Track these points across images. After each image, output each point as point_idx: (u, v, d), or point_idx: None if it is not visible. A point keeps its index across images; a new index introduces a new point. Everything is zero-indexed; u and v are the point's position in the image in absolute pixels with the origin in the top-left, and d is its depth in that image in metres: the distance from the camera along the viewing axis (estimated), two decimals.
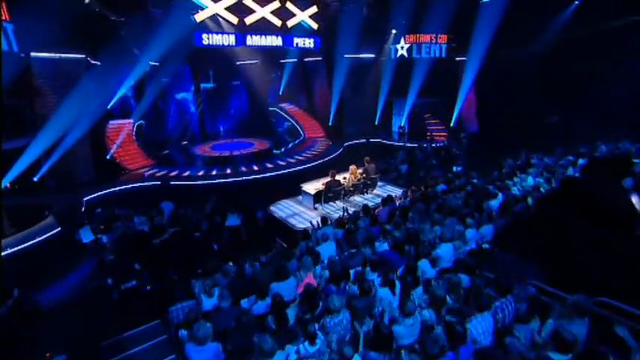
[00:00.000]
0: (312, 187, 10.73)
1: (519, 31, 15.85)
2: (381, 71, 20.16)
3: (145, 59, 16.67)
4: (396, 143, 19.23)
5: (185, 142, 21.25)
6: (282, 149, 19.42)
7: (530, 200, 7.41)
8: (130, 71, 16.94)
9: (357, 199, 11.28)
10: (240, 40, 13.73)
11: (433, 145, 17.06)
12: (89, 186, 13.24)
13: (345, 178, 10.97)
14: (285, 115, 22.92)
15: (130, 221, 9.80)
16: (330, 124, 21.02)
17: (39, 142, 11.08)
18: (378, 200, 10.97)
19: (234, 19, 13.37)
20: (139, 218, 9.90)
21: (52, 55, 12.49)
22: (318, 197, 10.52)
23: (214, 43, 13.25)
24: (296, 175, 14.50)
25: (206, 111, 23.43)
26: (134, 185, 13.61)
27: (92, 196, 12.49)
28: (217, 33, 13.20)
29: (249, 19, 13.64)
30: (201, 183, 13.75)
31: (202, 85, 23.01)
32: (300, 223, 9.77)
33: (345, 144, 18.96)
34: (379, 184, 12.28)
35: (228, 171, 14.85)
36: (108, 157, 15.67)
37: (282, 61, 22.24)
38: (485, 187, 8.87)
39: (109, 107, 17.72)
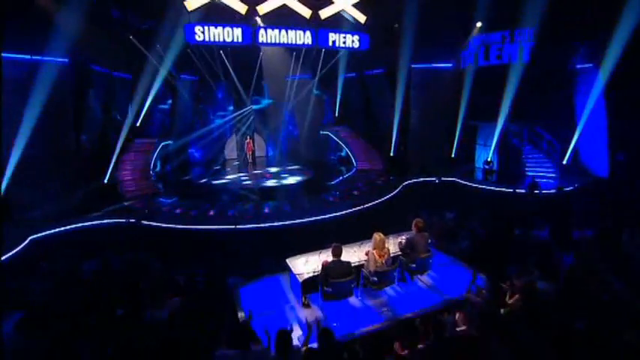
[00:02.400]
0: (305, 264, 6.20)
1: None
2: (462, 85, 14.98)
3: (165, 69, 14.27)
4: (479, 186, 13.65)
5: (217, 168, 18.28)
6: (331, 182, 15.27)
7: None
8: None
9: (390, 292, 6.41)
10: (249, 35, 10.00)
11: (537, 192, 11.29)
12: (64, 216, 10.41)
13: (367, 254, 6.22)
14: (338, 140, 18.76)
15: None
16: (392, 154, 16.33)
17: None
18: (430, 296, 6.11)
19: (242, 8, 9.74)
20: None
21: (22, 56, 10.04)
22: (313, 286, 5.94)
23: (212, 39, 9.74)
24: (321, 225, 10.21)
25: (253, 133, 20.51)
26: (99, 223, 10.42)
27: (44, 234, 9.52)
28: (217, 26, 9.65)
29: (262, 8, 9.89)
30: (186, 228, 10.05)
31: (252, 104, 20.22)
32: (270, 327, 5.26)
33: (406, 182, 13.97)
34: (441, 259, 7.29)
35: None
36: (105, 180, 12.99)
37: (339, 76, 18.44)
38: None
39: (137, 124, 15.76)
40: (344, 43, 11.22)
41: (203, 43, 9.78)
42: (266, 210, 11.36)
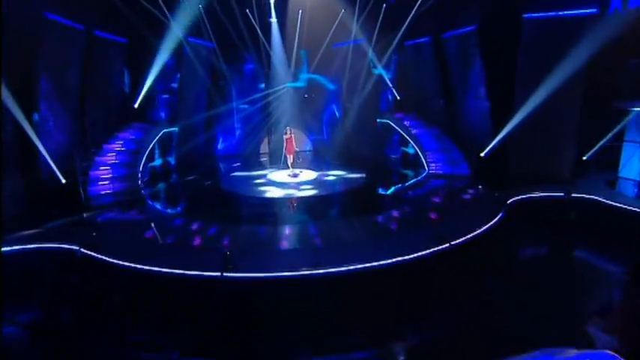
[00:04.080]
0: None
1: None
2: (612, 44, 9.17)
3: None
4: (636, 209, 7.86)
5: (238, 164, 14.15)
6: (388, 192, 10.56)
7: None
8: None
9: None
10: None
11: None
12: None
13: None
14: (401, 131, 13.66)
15: None
16: (483, 154, 10.89)
17: None
18: None
19: None
20: None
21: None
22: None
23: None
24: (370, 277, 5.51)
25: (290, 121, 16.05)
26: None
27: None
28: None
29: None
30: (138, 268, 5.78)
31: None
32: None
33: (512, 199, 8.60)
34: None
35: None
36: (63, 181, 9.20)
37: (405, 43, 13.47)
38: None
39: (135, 106, 12.12)
40: None
41: None
42: (283, 243, 6.85)
